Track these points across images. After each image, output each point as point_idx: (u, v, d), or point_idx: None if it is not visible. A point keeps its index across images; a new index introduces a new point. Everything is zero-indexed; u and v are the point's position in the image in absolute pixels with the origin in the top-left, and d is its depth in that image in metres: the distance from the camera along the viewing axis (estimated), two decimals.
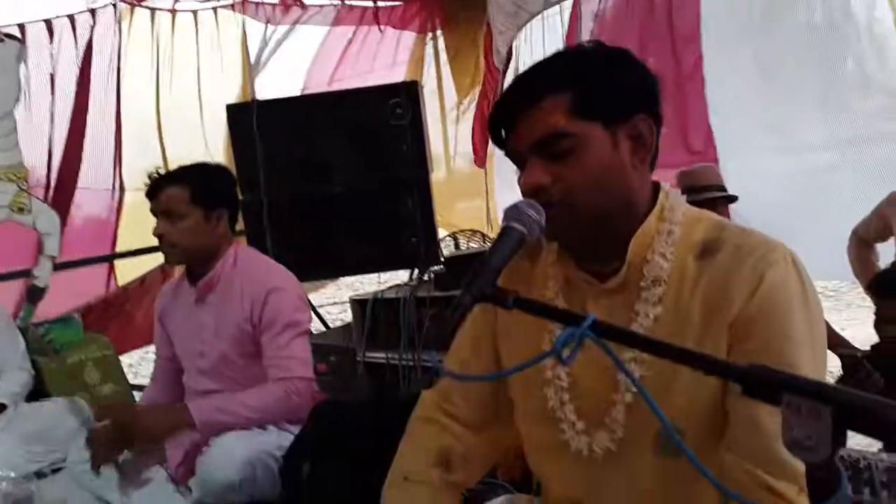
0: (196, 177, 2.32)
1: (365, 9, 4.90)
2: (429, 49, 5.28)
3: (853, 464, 1.88)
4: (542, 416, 1.26)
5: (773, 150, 4.26)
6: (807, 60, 3.99)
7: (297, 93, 4.80)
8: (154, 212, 2.28)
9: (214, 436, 2.15)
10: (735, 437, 1.09)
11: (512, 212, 1.11)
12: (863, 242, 3.35)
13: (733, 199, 3.02)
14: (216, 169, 2.42)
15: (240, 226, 3.70)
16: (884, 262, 3.34)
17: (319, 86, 4.90)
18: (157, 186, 2.27)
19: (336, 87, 4.86)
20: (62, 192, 3.90)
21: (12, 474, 2.36)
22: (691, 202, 3.01)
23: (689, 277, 1.14)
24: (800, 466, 1.04)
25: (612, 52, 1.18)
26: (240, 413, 2.18)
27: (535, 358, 1.05)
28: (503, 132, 1.18)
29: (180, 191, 2.26)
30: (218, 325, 2.32)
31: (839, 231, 3.41)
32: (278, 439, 2.16)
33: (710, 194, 3.04)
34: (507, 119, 1.16)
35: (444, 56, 5.29)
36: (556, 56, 1.21)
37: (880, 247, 3.36)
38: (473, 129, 5.47)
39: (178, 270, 2.64)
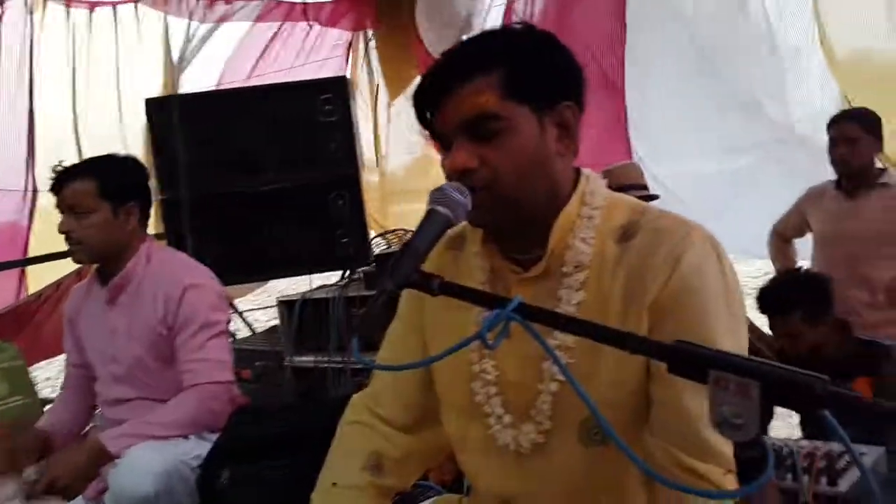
0: (104, 169, 2.18)
1: (293, 4, 4.78)
2: (360, 47, 5.20)
3: (776, 451, 1.90)
4: (470, 411, 1.23)
5: (695, 153, 4.39)
6: (724, 69, 4.14)
7: (213, 88, 4.66)
8: (59, 208, 2.14)
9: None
10: (657, 421, 1.08)
11: (437, 195, 1.08)
12: (781, 238, 3.44)
13: (654, 197, 3.02)
14: (126, 160, 2.28)
15: (160, 227, 3.61)
16: (802, 257, 3.43)
17: (237, 81, 4.76)
18: (62, 180, 2.13)
19: (255, 83, 4.71)
20: None
21: None
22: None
23: (610, 262, 1.13)
24: (724, 447, 1.02)
25: (542, 35, 1.16)
26: (155, 433, 2.05)
27: (460, 343, 1.01)
28: (429, 112, 1.14)
29: (87, 184, 2.12)
30: (131, 327, 2.20)
31: (761, 228, 3.51)
32: (196, 448, 2.04)
33: (632, 193, 3.03)
34: (434, 97, 1.12)
35: (375, 55, 5.20)
36: (487, 35, 1.19)
37: (799, 243, 3.46)
38: None
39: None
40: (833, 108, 3.63)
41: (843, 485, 1.75)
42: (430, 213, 1.06)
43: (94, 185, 2.12)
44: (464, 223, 1.20)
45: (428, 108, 1.14)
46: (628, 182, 2.94)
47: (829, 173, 3.12)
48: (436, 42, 4.87)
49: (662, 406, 1.07)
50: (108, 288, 2.22)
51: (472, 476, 1.29)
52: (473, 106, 1.09)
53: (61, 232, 2.13)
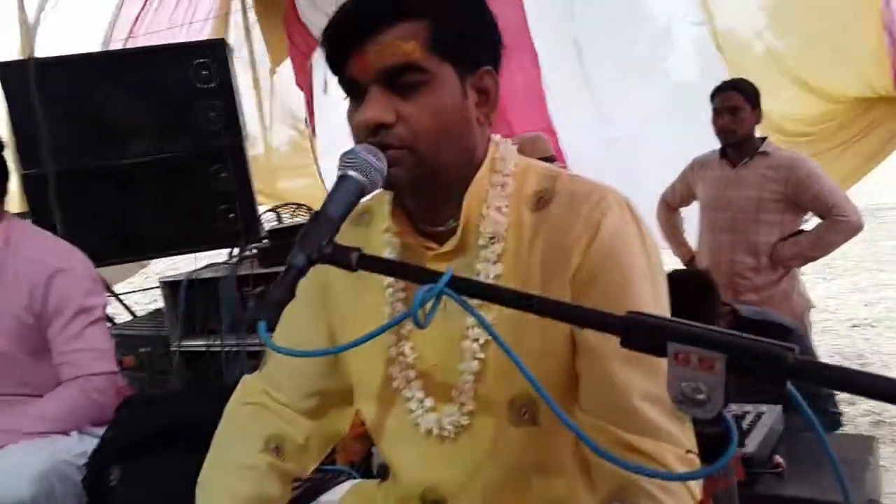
0: None
1: None
2: (235, 7, 4.91)
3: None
4: (388, 397, 1.16)
5: (592, 122, 4.50)
6: (614, 48, 4.26)
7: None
8: None
9: None
10: (587, 396, 1.03)
11: (349, 158, 0.97)
12: (669, 207, 3.55)
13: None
14: None
15: (24, 205, 3.28)
16: (689, 227, 3.55)
17: (116, 45, 4.40)
18: None
19: (132, 45, 4.38)
20: None
21: None
22: None
23: (527, 232, 1.07)
24: (666, 423, 0.98)
25: None
26: (33, 430, 1.85)
27: (388, 323, 0.92)
28: (341, 53, 1.02)
29: None
30: None
31: (649, 198, 3.61)
32: (80, 444, 1.86)
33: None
34: (352, 39, 1.00)
35: (252, 17, 4.93)
36: None
37: (686, 213, 3.58)
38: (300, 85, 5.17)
39: None
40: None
41: (751, 445, 1.80)
42: (341, 179, 0.96)
43: None
44: (369, 197, 1.10)
45: (343, 50, 1.01)
46: (537, 155, 2.91)
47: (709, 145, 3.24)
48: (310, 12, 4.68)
49: (591, 381, 1.02)
50: None
51: (395, 465, 1.21)
52: (397, 53, 0.98)
53: None
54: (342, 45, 1.02)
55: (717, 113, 3.08)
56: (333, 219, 0.93)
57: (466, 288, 0.88)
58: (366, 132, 1.00)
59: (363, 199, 1.01)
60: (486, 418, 1.08)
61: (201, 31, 4.76)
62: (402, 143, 1.00)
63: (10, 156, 3.15)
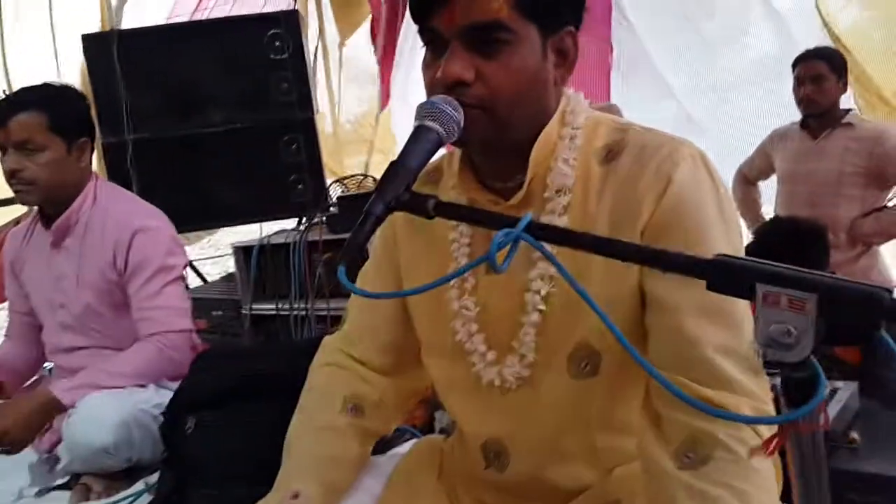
0: (52, 100, 1.99)
1: None
2: None
3: None
4: (452, 350, 1.17)
5: (658, 97, 4.40)
6: (685, 23, 4.14)
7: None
8: (2, 145, 1.95)
9: None
10: (659, 351, 1.01)
11: (427, 109, 0.97)
12: (746, 181, 3.45)
13: None
14: (70, 91, 2.09)
15: (103, 172, 3.40)
16: (766, 200, 3.45)
17: (184, 15, 4.51)
18: (6, 113, 1.93)
19: (200, 16, 4.48)
20: None
21: None
22: None
23: (594, 184, 1.06)
24: (741, 376, 0.96)
25: None
26: (111, 384, 1.93)
27: (466, 265, 0.93)
28: (428, 4, 1.01)
29: (36, 117, 1.94)
30: (79, 272, 2.05)
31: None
32: (155, 396, 1.94)
33: None
34: None
35: None
36: None
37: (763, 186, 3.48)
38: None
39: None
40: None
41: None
42: (418, 130, 0.96)
43: (45, 118, 1.94)
44: (441, 155, 1.11)
45: (430, 1, 1.01)
46: None
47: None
48: None
49: (661, 333, 1.01)
50: (51, 230, 2.05)
51: (459, 418, 1.23)
52: (485, 11, 0.97)
53: (6, 171, 1.94)
54: None
55: (799, 82, 2.97)
56: (411, 167, 0.93)
57: (544, 234, 0.87)
58: (443, 88, 0.99)
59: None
60: (546, 370, 1.09)
61: (268, 5, 4.82)
62: (478, 102, 0.99)
63: None
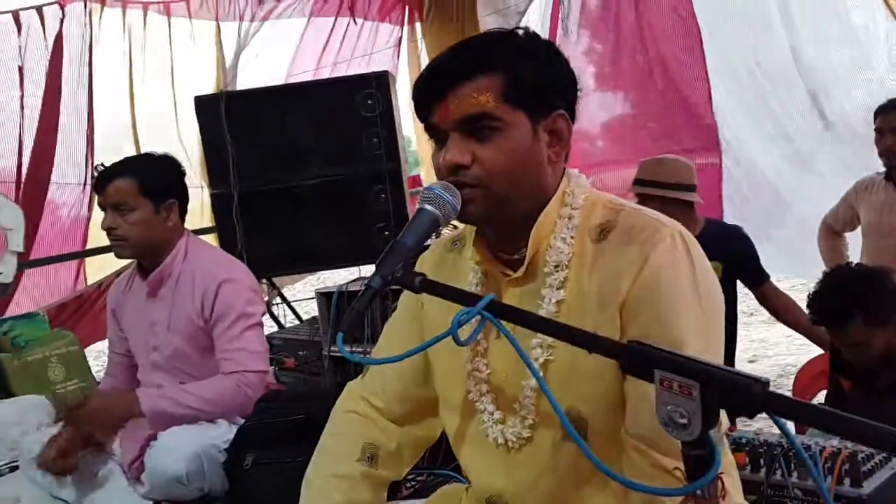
0: (144, 168, 2.29)
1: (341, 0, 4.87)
2: (406, 42, 5.24)
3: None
4: (465, 408, 1.27)
5: (766, 138, 4.29)
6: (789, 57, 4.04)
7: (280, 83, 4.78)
8: (102, 205, 2.26)
9: (164, 430, 2.13)
10: (631, 416, 1.09)
11: (426, 194, 1.11)
12: (832, 231, 3.34)
13: (690, 204, 2.82)
14: (163, 159, 2.38)
15: (212, 221, 3.75)
16: (853, 251, 3.32)
17: (303, 77, 4.88)
18: (105, 179, 2.24)
19: (321, 75, 4.84)
20: (34, 187, 3.88)
21: None
22: (645, 195, 2.88)
23: (587, 261, 1.15)
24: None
25: (545, 44, 1.20)
26: (188, 403, 2.15)
27: (433, 339, 1.04)
28: (427, 104, 1.17)
29: (129, 183, 2.23)
30: (170, 319, 2.30)
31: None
32: (227, 433, 2.13)
33: (674, 193, 2.78)
34: (436, 91, 1.15)
35: (423, 48, 5.24)
36: (493, 36, 1.22)
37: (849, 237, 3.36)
38: None
39: None
40: None
41: (868, 487, 1.71)
42: (418, 212, 1.10)
43: (136, 184, 2.23)
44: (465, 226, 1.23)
45: (428, 101, 1.16)
46: (676, 181, 2.79)
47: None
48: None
49: (632, 402, 1.08)
50: (147, 281, 2.32)
51: (469, 471, 1.32)
52: (473, 104, 1.11)
53: (104, 228, 2.24)
54: (427, 96, 1.16)
55: (880, 133, 2.89)
56: (407, 246, 1.08)
57: (505, 312, 0.99)
58: (446, 172, 1.14)
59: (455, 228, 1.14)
60: (545, 432, 1.17)
61: (373, 62, 5.11)
62: (476, 182, 1.12)
63: (201, 176, 3.66)
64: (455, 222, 1.19)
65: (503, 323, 0.99)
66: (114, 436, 2.26)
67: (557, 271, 1.16)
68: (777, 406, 0.71)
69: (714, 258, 2.70)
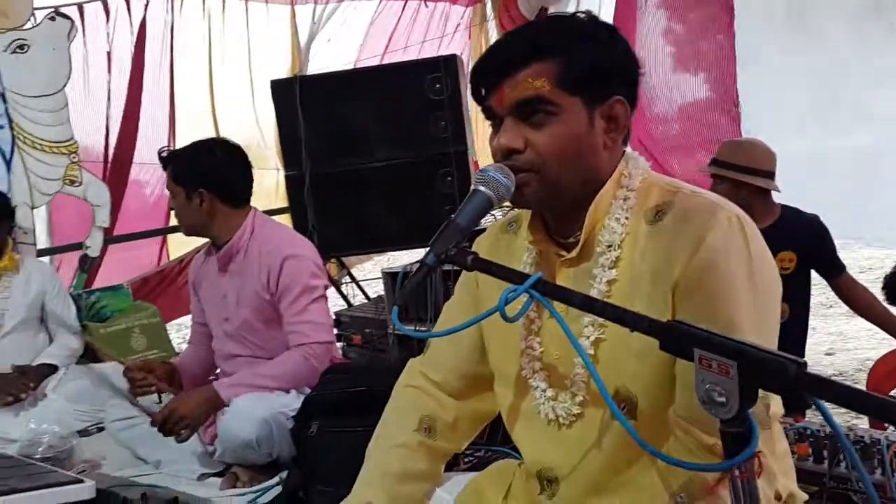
0: (177, 158, 2.46)
1: None
2: (476, 21, 5.25)
3: (864, 443, 1.82)
4: (517, 383, 1.30)
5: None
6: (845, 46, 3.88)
7: (350, 68, 4.88)
8: None
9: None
10: (679, 400, 1.10)
11: (481, 175, 1.14)
12: None
13: (767, 192, 2.72)
14: (201, 149, 2.49)
15: (284, 201, 3.87)
16: None
17: (372, 59, 4.95)
18: (164, 167, 2.46)
19: (389, 59, 4.90)
20: (119, 167, 4.07)
21: (56, 429, 2.50)
22: (717, 176, 2.81)
23: (641, 242, 1.15)
24: None
25: (605, 28, 1.19)
26: (261, 384, 2.27)
27: (480, 315, 1.08)
28: (483, 88, 1.19)
29: (169, 171, 2.42)
30: (239, 293, 2.42)
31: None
32: (295, 401, 2.22)
33: (747, 177, 2.69)
34: (491, 76, 1.17)
35: (493, 28, 5.24)
36: (550, 21, 1.24)
37: None
38: None
39: None
40: None
41: None
42: (472, 193, 1.13)
43: (170, 173, 2.42)
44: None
45: (484, 85, 1.18)
46: (752, 165, 2.69)
47: None
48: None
49: (680, 382, 1.09)
50: (218, 257, 2.45)
51: (521, 445, 1.35)
52: (528, 89, 1.13)
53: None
54: (483, 80, 1.19)
55: None
56: (460, 226, 1.11)
57: (552, 291, 1.02)
58: (499, 156, 1.16)
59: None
60: (594, 410, 1.19)
61: (443, 44, 5.15)
62: (529, 167, 1.14)
63: (276, 158, 3.79)
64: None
65: (552, 302, 1.01)
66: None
67: (610, 251, 1.17)
68: (813, 386, 0.72)
69: (788, 247, 2.68)
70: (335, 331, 2.93)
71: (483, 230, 1.48)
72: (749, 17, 4.11)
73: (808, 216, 2.87)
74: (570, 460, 1.23)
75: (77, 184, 3.68)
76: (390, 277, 3.13)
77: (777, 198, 2.81)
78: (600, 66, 1.14)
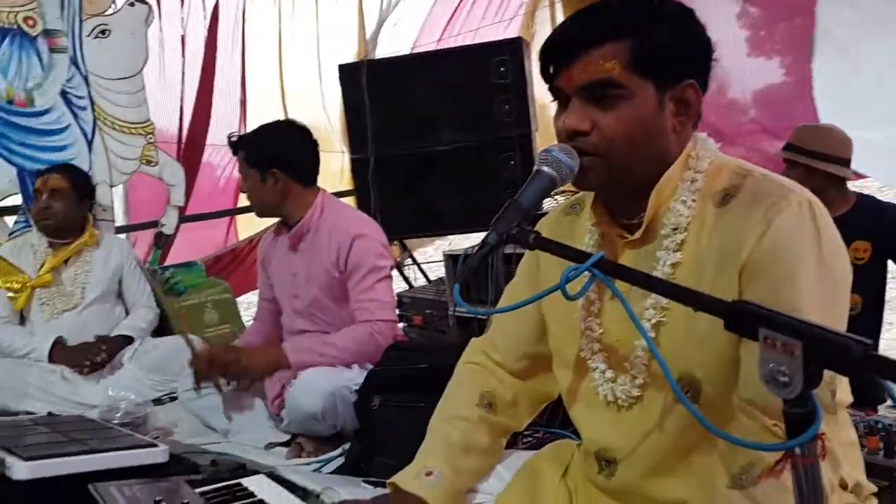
0: (249, 141, 2.53)
1: None
2: (543, 4, 5.21)
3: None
4: (576, 364, 1.30)
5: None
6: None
7: (408, 52, 4.91)
8: None
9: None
10: (743, 380, 1.09)
11: (545, 155, 1.14)
12: None
13: (842, 179, 2.64)
14: (272, 131, 2.56)
15: (351, 183, 3.94)
16: None
17: (429, 45, 4.98)
18: (234, 152, 2.53)
19: (445, 45, 4.91)
20: (192, 148, 4.20)
21: (132, 396, 2.63)
22: (790, 161, 2.73)
23: (708, 225, 1.14)
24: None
25: (679, 11, 1.17)
26: (329, 353, 2.34)
27: (541, 293, 1.09)
28: (552, 67, 1.18)
29: (242, 154, 2.49)
30: (309, 270, 2.49)
31: None
32: (359, 376, 2.28)
33: (819, 163, 2.62)
34: (561, 55, 1.16)
35: (560, 10, 5.19)
36: (623, 1, 1.20)
37: None
38: None
39: None
40: None
41: None
42: (536, 173, 1.13)
43: (243, 155, 2.49)
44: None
45: (553, 64, 1.17)
46: (825, 151, 2.62)
47: None
48: None
49: (745, 365, 1.08)
50: (288, 236, 2.53)
51: (580, 426, 1.36)
52: (598, 70, 1.11)
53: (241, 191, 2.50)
54: (552, 60, 1.18)
55: None
56: (523, 206, 1.11)
57: (614, 271, 1.03)
58: (564, 136, 1.16)
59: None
60: (655, 393, 1.19)
61: (505, 28, 5.13)
62: (594, 149, 1.13)
63: (343, 141, 3.85)
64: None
65: (615, 282, 1.02)
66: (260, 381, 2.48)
67: (675, 234, 1.15)
68: (879, 367, 0.72)
69: (863, 237, 2.60)
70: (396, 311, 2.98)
71: (546, 214, 1.49)
72: None
73: (886, 205, 2.77)
74: (628, 442, 1.24)
75: (154, 164, 3.81)
76: (451, 260, 3.17)
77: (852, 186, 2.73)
78: (673, 50, 1.12)
